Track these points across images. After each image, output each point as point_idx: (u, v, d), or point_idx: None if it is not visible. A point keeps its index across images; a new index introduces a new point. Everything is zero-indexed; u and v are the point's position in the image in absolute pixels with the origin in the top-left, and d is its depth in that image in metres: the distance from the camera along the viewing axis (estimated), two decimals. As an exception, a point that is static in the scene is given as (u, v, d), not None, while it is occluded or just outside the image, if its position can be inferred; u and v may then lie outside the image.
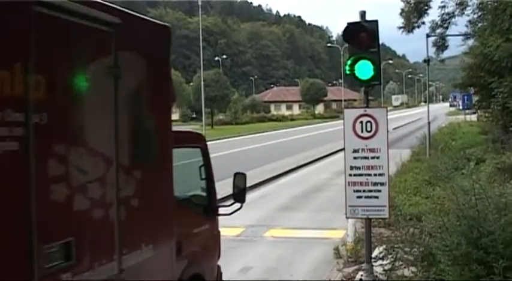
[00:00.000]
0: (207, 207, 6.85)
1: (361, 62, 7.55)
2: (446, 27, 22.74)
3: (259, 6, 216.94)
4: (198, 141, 6.90)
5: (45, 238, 3.62)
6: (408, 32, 22.68)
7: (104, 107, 4.28)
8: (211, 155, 6.84)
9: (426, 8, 22.30)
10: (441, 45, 24.41)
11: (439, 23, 22.51)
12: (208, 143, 6.91)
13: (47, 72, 3.66)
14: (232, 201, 6.89)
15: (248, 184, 7.91)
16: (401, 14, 22.62)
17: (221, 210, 7.08)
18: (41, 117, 3.58)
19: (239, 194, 6.93)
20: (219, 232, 7.29)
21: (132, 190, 4.60)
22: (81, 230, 4.02)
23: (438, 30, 23.15)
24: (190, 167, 6.79)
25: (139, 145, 4.76)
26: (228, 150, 30.40)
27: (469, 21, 21.66)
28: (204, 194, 6.89)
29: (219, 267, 7.37)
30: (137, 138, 4.74)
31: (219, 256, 7.34)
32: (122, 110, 4.42)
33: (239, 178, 6.96)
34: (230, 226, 10.85)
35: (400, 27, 22.86)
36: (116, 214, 4.37)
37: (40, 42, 3.58)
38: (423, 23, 22.71)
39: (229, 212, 7.00)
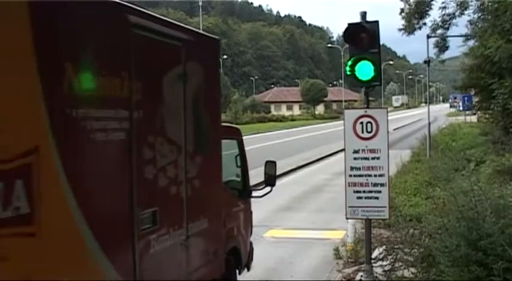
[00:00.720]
0: (242, 190, 8.00)
1: (362, 62, 7.54)
2: (447, 28, 22.70)
3: (260, 6, 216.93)
4: (235, 134, 8.08)
5: (141, 206, 4.73)
6: (409, 33, 22.64)
7: (176, 106, 5.45)
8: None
9: (427, 9, 22.27)
10: (442, 46, 24.37)
11: (439, 23, 22.48)
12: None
13: (142, 79, 4.77)
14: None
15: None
16: (400, 13, 22.58)
17: (254, 193, 8.29)
18: (139, 114, 4.70)
19: (269, 179, 8.04)
20: (251, 212, 8.42)
21: (195, 173, 5.76)
22: (163, 202, 5.13)
23: (439, 31, 23.12)
24: (228, 156, 7.58)
25: (199, 136, 5.90)
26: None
27: (469, 21, 21.64)
28: (239, 179, 8.04)
29: (251, 243, 8.48)
30: (198, 131, 5.87)
31: (251, 233, 8.45)
32: (187, 108, 5.62)
33: (269, 165, 8.06)
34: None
35: (401, 29, 22.82)
36: (184, 190, 5.53)
37: (137, 56, 4.70)
38: (424, 24, 22.67)
39: (261, 195, 8.24)
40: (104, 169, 4.34)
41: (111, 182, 4.45)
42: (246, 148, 8.27)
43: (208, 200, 6.19)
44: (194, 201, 5.69)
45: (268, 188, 8.12)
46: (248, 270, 8.39)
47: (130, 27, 4.63)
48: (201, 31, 6.66)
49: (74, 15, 4.02)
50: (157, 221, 4.98)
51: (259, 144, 34.13)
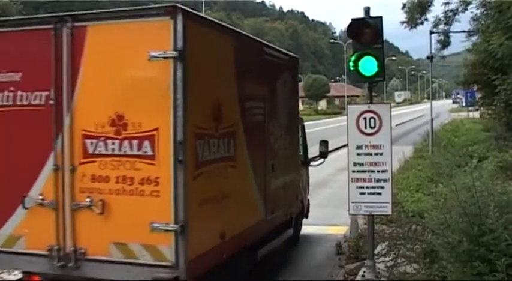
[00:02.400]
0: (303, 160, 11.40)
1: (365, 58, 7.53)
2: (450, 24, 22.63)
3: (263, 2, 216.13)
4: (300, 121, 11.23)
5: (268, 159, 8.31)
6: (411, 27, 22.57)
7: (280, 102, 9.07)
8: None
9: (429, 3, 22.19)
10: (444, 42, 24.28)
11: (442, 19, 22.40)
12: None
13: (268, 85, 8.48)
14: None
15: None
16: (403, 8, 22.51)
17: (312, 163, 11.95)
18: (267, 106, 8.32)
19: (322, 153, 11.69)
20: (309, 177, 12.10)
21: (288, 143, 9.50)
22: (275, 158, 8.69)
23: (441, 27, 23.04)
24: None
25: (289, 120, 9.62)
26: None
27: (473, 18, 21.56)
28: (301, 153, 11.17)
29: (308, 200, 12.00)
30: (289, 117, 9.60)
31: (308, 192, 12.00)
32: (285, 103, 9.33)
33: (323, 143, 11.64)
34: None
35: (403, 22, 22.73)
36: (284, 152, 9.17)
37: (267, 71, 8.39)
38: (426, 19, 22.60)
39: (317, 164, 11.95)
40: (256, 137, 7.80)
41: (259, 144, 7.93)
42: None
43: (292, 162, 9.90)
44: (287, 161, 9.37)
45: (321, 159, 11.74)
46: (307, 218, 11.73)
47: (264, 54, 8.30)
48: (290, 53, 10.25)
49: (245, 51, 7.49)
50: (274, 170, 8.53)
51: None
